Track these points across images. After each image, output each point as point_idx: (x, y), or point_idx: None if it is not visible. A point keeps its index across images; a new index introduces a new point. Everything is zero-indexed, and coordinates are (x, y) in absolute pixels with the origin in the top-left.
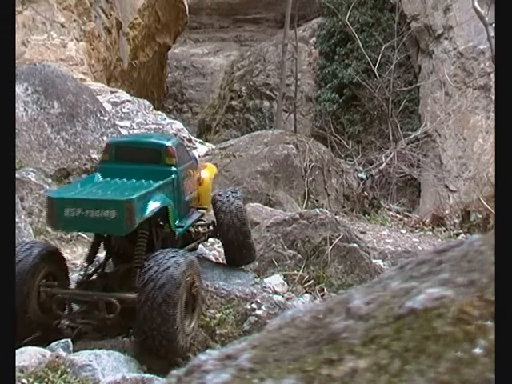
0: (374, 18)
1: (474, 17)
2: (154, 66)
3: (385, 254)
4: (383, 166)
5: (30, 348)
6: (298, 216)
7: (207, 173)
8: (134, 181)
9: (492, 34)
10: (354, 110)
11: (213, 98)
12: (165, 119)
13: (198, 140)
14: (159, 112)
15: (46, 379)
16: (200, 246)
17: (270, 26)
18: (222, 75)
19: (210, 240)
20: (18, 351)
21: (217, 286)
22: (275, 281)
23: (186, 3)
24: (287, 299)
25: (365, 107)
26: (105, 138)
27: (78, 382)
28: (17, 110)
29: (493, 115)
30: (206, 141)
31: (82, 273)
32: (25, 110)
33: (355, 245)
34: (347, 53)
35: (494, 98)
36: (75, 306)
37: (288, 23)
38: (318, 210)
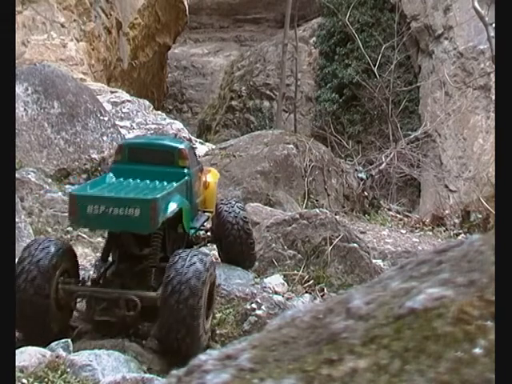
0: (374, 18)
1: (474, 17)
2: (153, 66)
3: (385, 254)
4: (383, 166)
5: (30, 348)
6: (297, 216)
7: (212, 177)
8: (148, 182)
9: (492, 34)
10: (353, 110)
11: (213, 98)
12: (165, 119)
13: (198, 140)
14: (159, 112)
15: (45, 379)
16: None
17: (270, 26)
18: (222, 75)
19: None
20: (18, 351)
21: (217, 285)
22: (275, 281)
23: (185, 3)
24: (287, 299)
25: (365, 107)
26: (105, 137)
27: (78, 382)
28: (17, 110)
29: (493, 115)
30: (206, 141)
31: (95, 271)
32: (25, 109)
33: (355, 245)
34: (347, 53)
35: (494, 97)
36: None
37: (288, 23)
38: (317, 210)
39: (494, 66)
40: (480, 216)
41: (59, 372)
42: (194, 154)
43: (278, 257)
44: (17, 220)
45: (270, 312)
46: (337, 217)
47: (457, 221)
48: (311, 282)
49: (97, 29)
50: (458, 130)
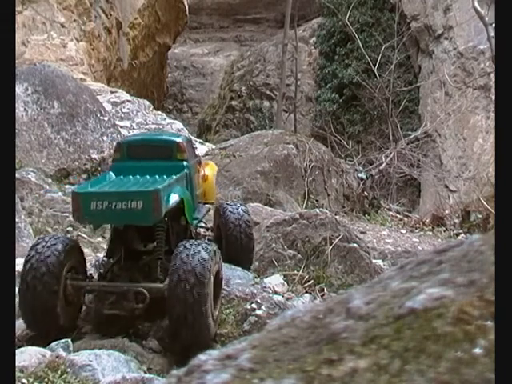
0: (374, 18)
1: (474, 17)
2: (154, 66)
3: (385, 254)
4: (383, 166)
5: (30, 348)
6: (298, 216)
7: (210, 170)
8: (148, 177)
9: (492, 34)
10: (353, 110)
11: (213, 98)
12: (165, 119)
13: (198, 140)
14: (159, 112)
15: (45, 379)
16: None
17: (270, 26)
18: (222, 75)
19: None
20: (18, 351)
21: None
22: (275, 281)
23: (185, 3)
24: (287, 299)
25: (365, 107)
26: (105, 137)
27: (78, 382)
28: (17, 110)
29: (493, 115)
30: (206, 141)
31: (95, 270)
32: (25, 109)
33: (355, 245)
34: (347, 53)
35: (494, 97)
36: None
37: (288, 23)
38: (317, 210)
39: (493, 66)
40: (480, 216)
41: (59, 372)
42: (192, 147)
43: (278, 257)
44: (17, 220)
45: (270, 312)
46: (337, 217)
47: (457, 221)
48: (311, 282)
49: (97, 29)
50: (458, 130)
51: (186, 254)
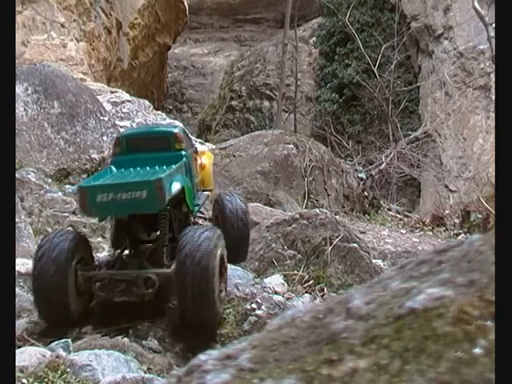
0: (374, 18)
1: (474, 17)
2: (154, 66)
3: (385, 253)
4: (383, 165)
5: (30, 348)
6: (298, 216)
7: (206, 159)
8: (148, 168)
9: (492, 34)
10: (353, 110)
11: (213, 98)
12: (165, 119)
13: (198, 140)
14: (159, 112)
15: (45, 379)
16: None
17: (270, 26)
18: (222, 75)
19: None
20: (18, 351)
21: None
22: (275, 281)
23: (185, 3)
24: (287, 299)
25: (365, 107)
26: (105, 137)
27: (78, 382)
28: (17, 110)
29: (493, 115)
30: (206, 141)
31: (109, 256)
32: (25, 109)
33: (355, 245)
34: (347, 53)
35: (494, 97)
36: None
37: (288, 23)
38: (317, 210)
39: (494, 66)
40: (480, 216)
41: (59, 372)
42: (188, 137)
43: (278, 257)
44: (17, 220)
45: (270, 312)
46: (337, 217)
47: (457, 221)
48: (311, 282)
49: (97, 29)
50: (458, 130)
51: (191, 235)
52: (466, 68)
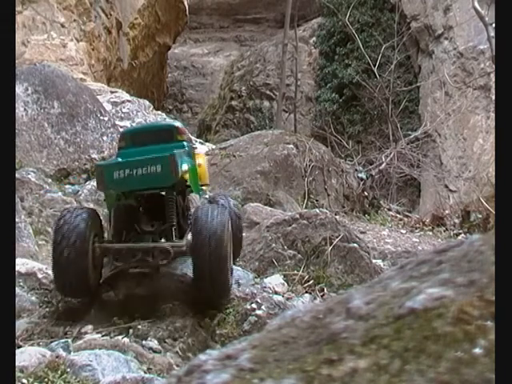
0: (374, 18)
1: (474, 17)
2: (154, 66)
3: (385, 253)
4: (383, 166)
5: (30, 348)
6: (298, 216)
7: (201, 159)
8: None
9: (492, 34)
10: (354, 110)
11: (213, 98)
12: (165, 119)
13: (198, 140)
14: (159, 112)
15: (45, 379)
16: None
17: (270, 26)
18: (222, 75)
19: None
20: (18, 351)
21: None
22: (275, 281)
23: (185, 3)
24: (287, 299)
25: (365, 107)
26: (105, 137)
27: (78, 382)
28: (17, 110)
29: (493, 115)
30: (206, 141)
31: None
32: (25, 109)
33: (355, 245)
34: (347, 53)
35: (494, 97)
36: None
37: (288, 23)
38: (317, 210)
39: (494, 66)
40: (480, 216)
41: (59, 372)
42: (189, 134)
43: (278, 257)
44: (17, 220)
45: (270, 312)
46: (337, 217)
47: (457, 221)
48: (311, 282)
49: (97, 29)
50: (458, 130)
51: (205, 209)
52: (466, 68)
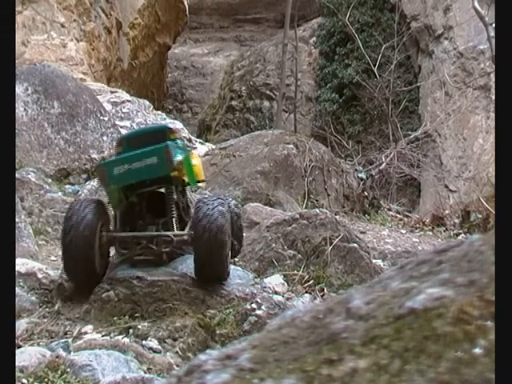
0: (374, 18)
1: (474, 17)
2: (154, 66)
3: (385, 253)
4: (383, 165)
5: (29, 348)
6: (298, 216)
7: (195, 159)
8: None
9: (492, 34)
10: (354, 110)
11: (213, 98)
12: (165, 119)
13: (198, 140)
14: (159, 112)
15: (45, 379)
16: None
17: (270, 26)
18: (222, 75)
19: None
20: (18, 351)
21: (216, 285)
22: (275, 281)
23: (185, 3)
24: (287, 299)
25: (365, 107)
26: (105, 137)
27: (78, 382)
28: (17, 110)
29: (493, 115)
30: (206, 141)
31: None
32: (25, 109)
33: (355, 245)
34: (347, 53)
35: (494, 97)
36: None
37: (288, 23)
38: (317, 210)
39: (494, 66)
40: (480, 216)
41: (59, 372)
42: (182, 137)
43: (278, 257)
44: (17, 220)
45: (270, 312)
46: (337, 217)
47: (457, 221)
48: (311, 282)
49: (97, 29)
50: (458, 130)
51: (206, 200)
52: (466, 68)
